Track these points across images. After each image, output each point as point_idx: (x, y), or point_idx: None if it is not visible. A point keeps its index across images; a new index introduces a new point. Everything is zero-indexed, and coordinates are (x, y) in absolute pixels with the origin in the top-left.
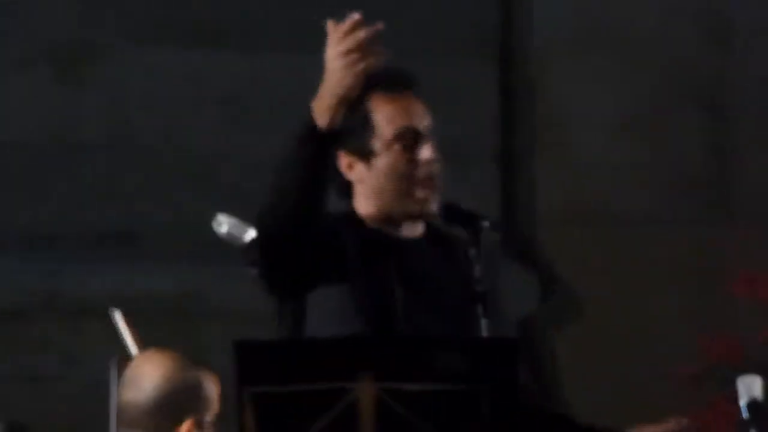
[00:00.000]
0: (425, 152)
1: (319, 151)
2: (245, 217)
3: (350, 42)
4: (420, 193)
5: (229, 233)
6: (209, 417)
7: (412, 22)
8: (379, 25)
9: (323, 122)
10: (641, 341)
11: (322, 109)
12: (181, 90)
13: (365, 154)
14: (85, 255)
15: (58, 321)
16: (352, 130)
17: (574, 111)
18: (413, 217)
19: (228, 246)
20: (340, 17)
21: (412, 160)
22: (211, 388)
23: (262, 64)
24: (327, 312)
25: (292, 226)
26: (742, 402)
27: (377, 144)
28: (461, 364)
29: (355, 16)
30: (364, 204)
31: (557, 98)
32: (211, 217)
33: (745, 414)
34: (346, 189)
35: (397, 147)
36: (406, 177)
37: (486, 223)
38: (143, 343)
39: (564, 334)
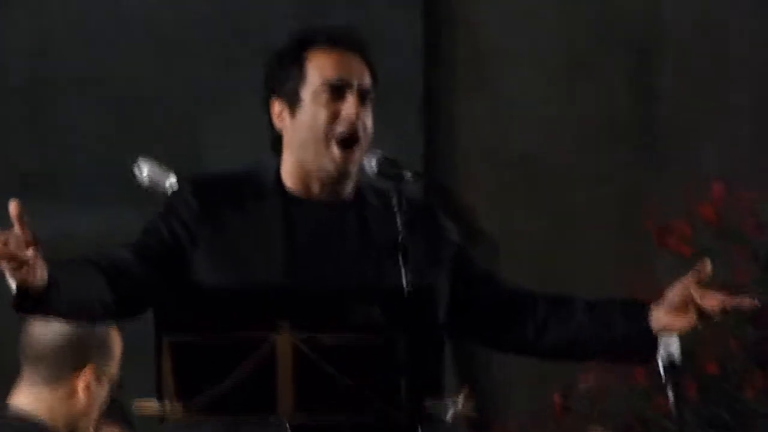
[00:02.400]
0: (350, 108)
1: (49, 301)
2: (168, 160)
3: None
4: (336, 151)
5: (149, 177)
6: (109, 371)
7: None
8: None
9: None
10: (561, 288)
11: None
12: (107, 30)
13: (293, 103)
14: (6, 195)
15: None
16: (285, 76)
17: (500, 52)
18: (330, 177)
19: (150, 189)
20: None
21: (334, 114)
22: (117, 344)
23: None
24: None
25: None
26: (660, 360)
27: (305, 93)
28: (378, 315)
29: (12, 208)
30: (287, 158)
31: (484, 39)
32: (134, 158)
33: (662, 371)
34: (277, 143)
35: (323, 98)
36: (325, 130)
37: (408, 174)
38: None
39: None
